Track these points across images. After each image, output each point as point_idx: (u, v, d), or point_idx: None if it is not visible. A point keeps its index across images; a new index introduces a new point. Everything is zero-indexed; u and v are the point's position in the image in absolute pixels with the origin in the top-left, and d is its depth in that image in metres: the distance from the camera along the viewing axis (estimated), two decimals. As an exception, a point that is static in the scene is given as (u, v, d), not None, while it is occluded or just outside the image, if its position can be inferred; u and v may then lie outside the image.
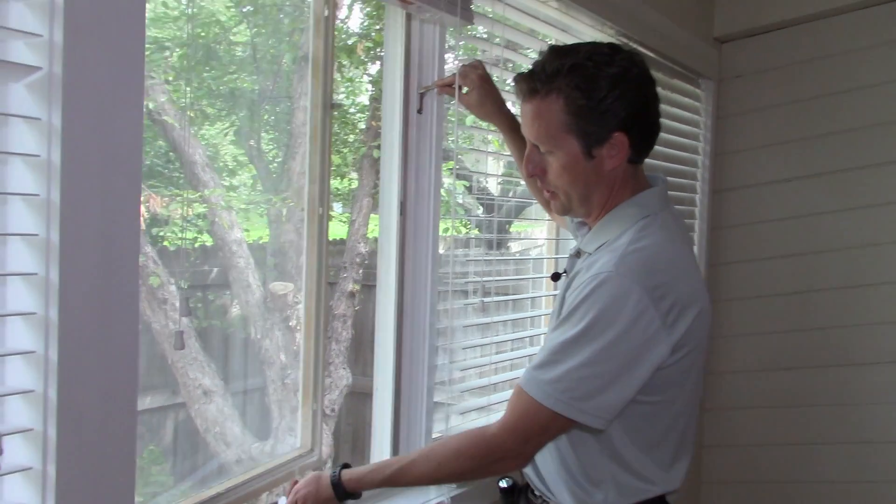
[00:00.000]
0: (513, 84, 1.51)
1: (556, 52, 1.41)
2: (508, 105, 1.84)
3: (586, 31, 2.43)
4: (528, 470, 1.57)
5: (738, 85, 3.37)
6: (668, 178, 2.47)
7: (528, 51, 2.35)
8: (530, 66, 1.44)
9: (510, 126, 1.81)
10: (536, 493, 1.56)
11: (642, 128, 1.43)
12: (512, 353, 2.21)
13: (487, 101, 1.79)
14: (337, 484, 1.48)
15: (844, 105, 3.13)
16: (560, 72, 1.37)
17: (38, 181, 1.00)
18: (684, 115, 3.14)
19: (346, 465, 1.53)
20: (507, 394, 2.17)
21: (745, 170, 3.36)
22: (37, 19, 0.98)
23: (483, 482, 1.90)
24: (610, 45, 1.44)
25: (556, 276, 1.61)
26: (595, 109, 1.37)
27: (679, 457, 1.46)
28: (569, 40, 2.40)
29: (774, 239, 3.29)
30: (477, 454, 1.40)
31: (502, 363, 2.17)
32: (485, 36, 2.16)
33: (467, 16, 1.77)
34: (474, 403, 2.05)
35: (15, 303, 1.02)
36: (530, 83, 1.41)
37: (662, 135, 2.89)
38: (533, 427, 1.36)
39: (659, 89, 2.65)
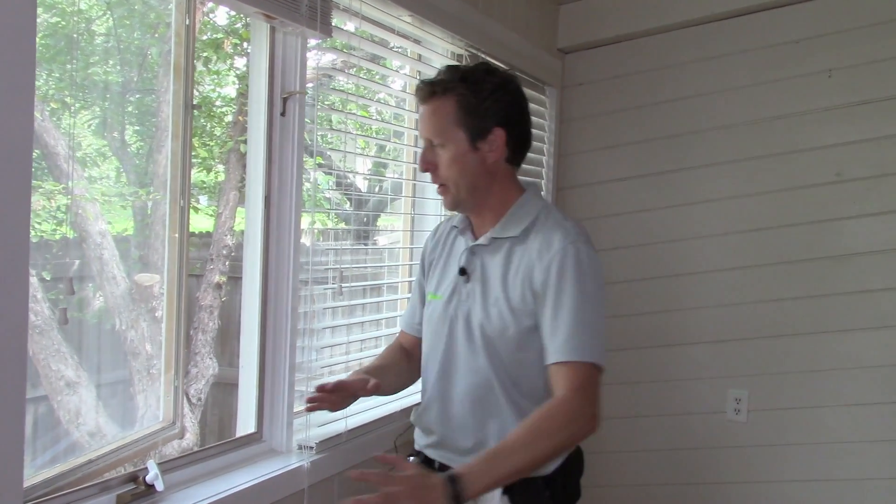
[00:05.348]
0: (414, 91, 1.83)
1: (451, 67, 1.75)
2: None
3: (439, 43, 2.63)
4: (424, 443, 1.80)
5: (580, 92, 3.63)
6: (519, 178, 2.80)
7: (385, 60, 2.54)
8: (431, 78, 1.75)
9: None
10: (436, 465, 1.77)
11: (518, 131, 1.75)
12: (370, 332, 2.40)
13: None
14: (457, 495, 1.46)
15: (666, 113, 3.44)
16: (454, 79, 1.70)
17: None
18: (532, 119, 3.38)
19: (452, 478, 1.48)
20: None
21: (585, 169, 3.63)
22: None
23: (343, 448, 2.10)
24: (491, 65, 1.84)
25: (462, 271, 1.78)
26: (479, 107, 1.68)
27: None
28: (423, 52, 2.62)
29: (609, 232, 3.55)
30: (566, 425, 1.56)
31: (361, 342, 2.36)
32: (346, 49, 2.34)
33: (326, 30, 1.96)
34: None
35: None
36: (431, 87, 1.72)
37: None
38: (592, 386, 1.61)
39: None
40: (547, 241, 1.67)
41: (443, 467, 1.72)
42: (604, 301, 1.66)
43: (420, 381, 1.90)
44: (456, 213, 1.87)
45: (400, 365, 1.94)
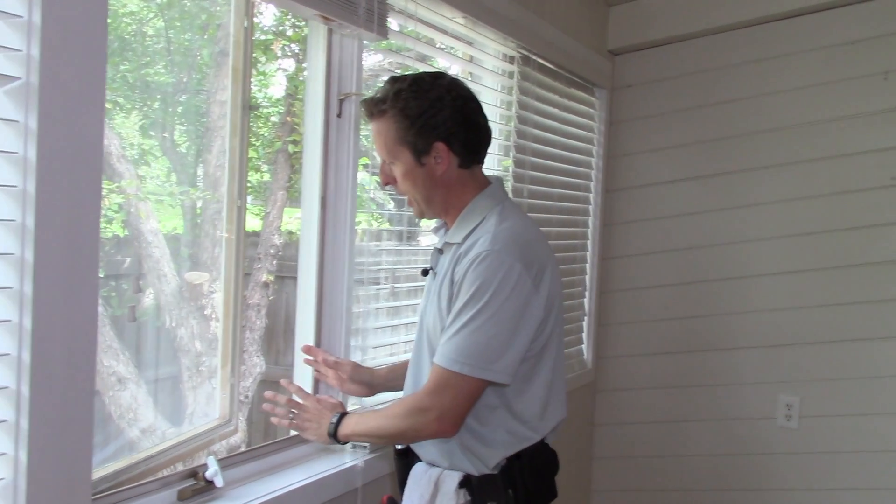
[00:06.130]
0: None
1: (390, 80, 1.72)
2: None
3: (490, 44, 2.64)
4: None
5: (629, 94, 3.62)
6: (566, 179, 2.76)
7: (432, 59, 2.55)
8: (369, 96, 1.74)
9: (385, 379, 2.05)
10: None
11: (462, 139, 1.71)
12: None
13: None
14: (333, 434, 1.79)
15: (720, 115, 3.41)
16: (388, 98, 1.68)
17: (16, 174, 1.16)
18: (580, 121, 3.38)
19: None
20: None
21: (633, 172, 3.61)
22: (16, 37, 1.15)
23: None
24: (434, 73, 1.76)
25: (425, 272, 1.85)
26: (415, 125, 1.67)
27: (549, 403, 1.72)
28: (475, 53, 2.63)
29: (658, 235, 3.55)
30: (408, 415, 1.64)
31: (410, 343, 2.36)
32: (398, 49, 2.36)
33: (383, 31, 1.97)
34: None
35: (-7, 279, 1.18)
36: (369, 107, 1.72)
37: (561, 139, 3.17)
38: (447, 391, 1.59)
39: (556, 97, 2.93)
40: (472, 247, 1.65)
41: (417, 456, 1.79)
42: (510, 311, 1.58)
43: None
44: None
45: None
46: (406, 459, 1.82)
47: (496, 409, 1.67)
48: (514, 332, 1.59)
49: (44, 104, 1.16)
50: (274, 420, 1.93)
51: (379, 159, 1.78)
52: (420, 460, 1.77)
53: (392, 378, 2.02)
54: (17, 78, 1.15)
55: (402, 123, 1.67)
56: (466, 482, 1.67)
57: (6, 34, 1.15)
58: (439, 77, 1.73)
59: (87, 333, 1.26)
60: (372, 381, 2.01)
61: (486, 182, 1.79)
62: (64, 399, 1.22)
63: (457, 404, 1.60)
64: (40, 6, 1.14)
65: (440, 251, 1.79)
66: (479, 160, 1.78)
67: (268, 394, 1.93)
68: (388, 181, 1.77)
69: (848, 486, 3.20)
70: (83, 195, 1.23)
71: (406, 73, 1.77)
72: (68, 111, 1.19)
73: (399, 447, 1.85)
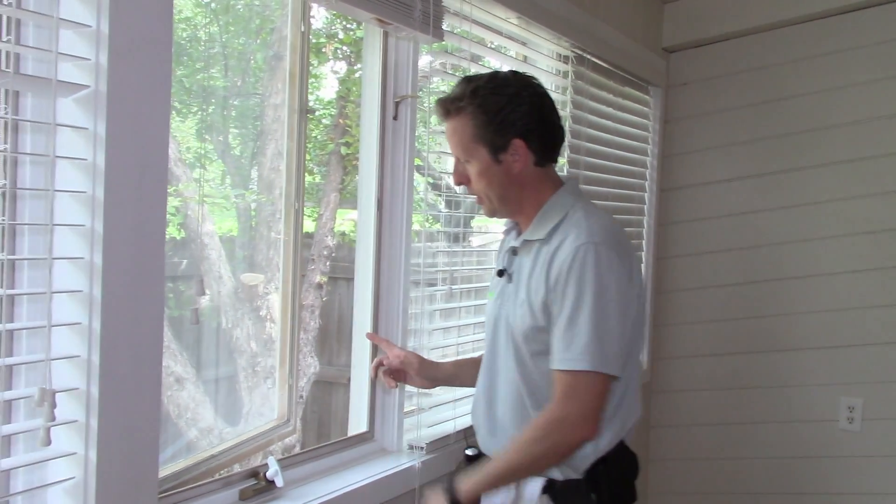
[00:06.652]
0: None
1: (464, 80, 1.72)
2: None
3: (544, 44, 2.63)
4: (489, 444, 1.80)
5: (684, 92, 3.58)
6: (620, 179, 2.73)
7: (484, 60, 2.55)
8: (445, 95, 1.73)
9: (450, 374, 2.01)
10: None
11: (540, 135, 1.70)
12: (474, 335, 2.41)
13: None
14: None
15: (779, 112, 3.35)
16: (465, 95, 1.67)
17: (85, 180, 1.19)
18: (635, 119, 3.35)
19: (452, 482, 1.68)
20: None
21: (689, 170, 3.57)
22: (86, 46, 1.17)
23: (451, 449, 2.12)
24: (510, 71, 1.75)
25: (501, 273, 1.81)
26: (493, 122, 1.66)
27: (624, 402, 1.71)
28: (529, 53, 2.62)
29: (715, 234, 3.50)
30: (544, 435, 1.61)
31: (465, 344, 2.37)
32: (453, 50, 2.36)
33: (438, 34, 1.97)
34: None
35: (64, 282, 1.20)
36: (445, 105, 1.71)
37: (615, 138, 3.14)
38: (583, 393, 1.58)
39: (610, 96, 2.90)
40: (563, 242, 1.63)
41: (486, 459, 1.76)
42: (616, 303, 1.58)
43: None
44: None
45: None
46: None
47: None
48: (621, 325, 1.59)
49: (112, 112, 1.18)
50: None
51: (445, 160, 1.78)
52: None
53: (456, 374, 2.00)
54: (87, 86, 1.18)
55: (479, 120, 1.66)
56: (549, 487, 1.66)
57: (76, 43, 1.17)
58: (515, 74, 1.73)
59: (154, 335, 1.28)
60: (436, 376, 1.99)
61: (559, 181, 1.78)
62: (131, 399, 1.25)
63: (593, 404, 1.59)
64: (108, 15, 1.16)
65: (514, 252, 1.77)
66: (554, 158, 1.77)
67: None
68: (461, 181, 1.75)
69: (912, 491, 3.12)
70: (149, 200, 1.25)
71: (479, 73, 1.76)
72: (135, 118, 1.22)
73: (470, 452, 1.85)
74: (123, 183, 1.21)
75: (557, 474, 1.66)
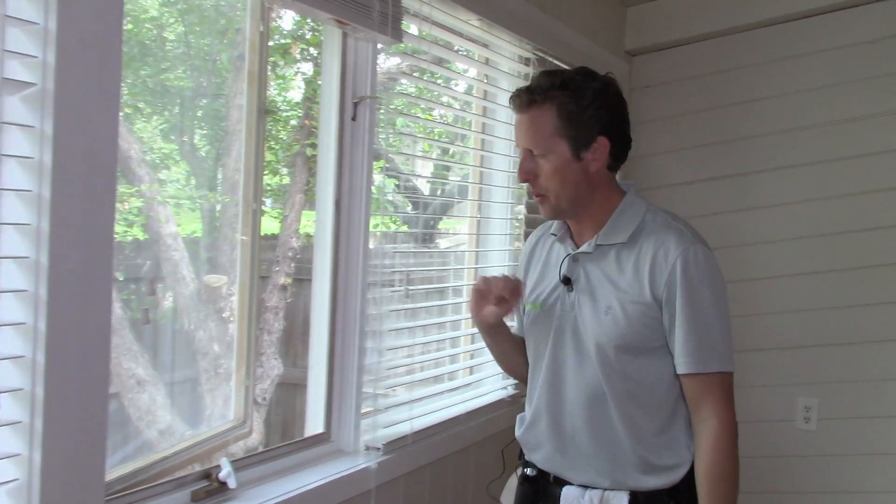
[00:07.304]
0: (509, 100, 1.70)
1: (547, 72, 1.65)
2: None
3: (506, 46, 2.64)
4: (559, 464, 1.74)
5: (647, 95, 3.60)
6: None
7: (450, 63, 2.56)
8: (527, 84, 1.67)
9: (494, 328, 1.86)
10: (551, 478, 1.74)
11: (620, 136, 1.66)
12: (434, 336, 2.41)
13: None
14: None
15: (741, 115, 3.39)
16: (554, 85, 1.60)
17: (32, 179, 1.18)
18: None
19: None
20: (431, 373, 2.38)
21: (653, 172, 3.58)
22: (33, 43, 1.16)
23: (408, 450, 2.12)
24: (584, 67, 1.69)
25: (566, 280, 1.71)
26: (582, 115, 1.59)
27: None
28: (490, 55, 2.63)
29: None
30: (730, 446, 1.64)
31: (425, 344, 2.38)
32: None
33: (397, 35, 1.98)
34: (398, 381, 2.26)
35: (8, 282, 1.19)
36: (529, 95, 1.62)
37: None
38: (730, 395, 1.63)
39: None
40: (663, 246, 1.59)
41: (557, 480, 1.73)
42: (725, 302, 1.62)
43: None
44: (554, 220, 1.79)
45: (522, 349, 1.88)
46: (537, 486, 1.76)
47: (684, 415, 1.69)
48: (730, 321, 1.62)
49: (59, 110, 1.17)
50: None
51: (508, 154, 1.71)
52: (566, 483, 1.71)
53: (504, 335, 1.89)
54: (34, 84, 1.17)
55: (565, 112, 1.59)
56: (634, 500, 1.64)
57: (22, 41, 1.16)
58: (597, 73, 1.66)
59: (101, 336, 1.27)
60: (500, 328, 1.85)
61: (622, 190, 1.71)
62: (78, 401, 1.23)
63: (733, 402, 1.64)
64: (56, 13, 1.16)
65: (574, 258, 1.70)
66: (621, 164, 1.71)
67: None
68: (528, 177, 1.66)
69: (867, 489, 3.17)
70: (98, 199, 1.24)
71: (561, 67, 1.70)
72: (83, 117, 1.21)
73: (530, 472, 1.78)
74: (71, 182, 1.19)
75: (654, 484, 1.65)
